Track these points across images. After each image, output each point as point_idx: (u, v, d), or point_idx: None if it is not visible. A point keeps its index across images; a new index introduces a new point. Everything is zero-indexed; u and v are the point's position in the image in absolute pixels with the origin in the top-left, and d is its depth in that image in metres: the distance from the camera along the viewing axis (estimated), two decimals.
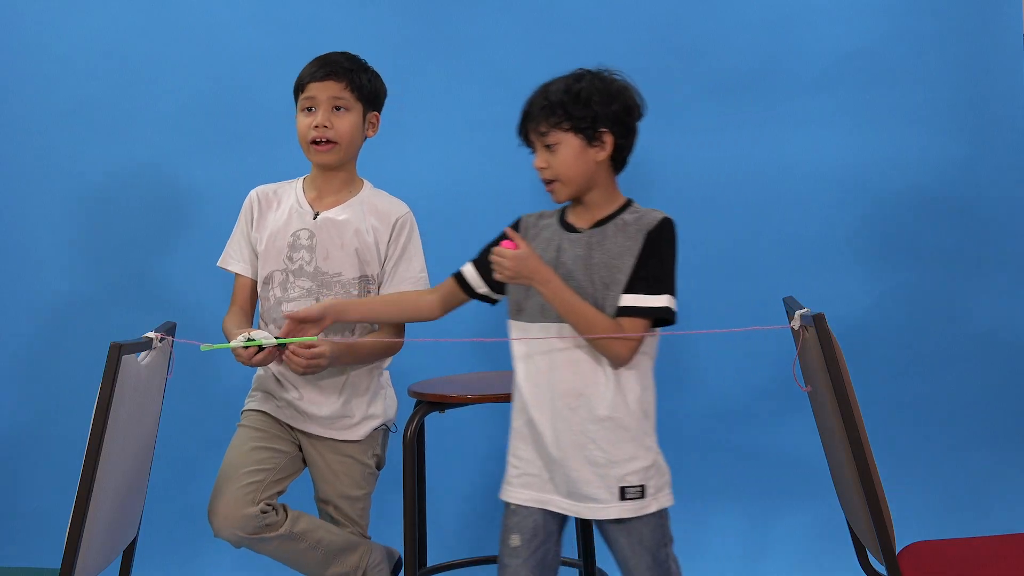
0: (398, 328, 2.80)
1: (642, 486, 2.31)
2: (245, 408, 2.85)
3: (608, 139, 2.37)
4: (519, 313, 2.40)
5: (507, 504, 2.41)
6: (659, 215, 2.37)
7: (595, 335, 2.27)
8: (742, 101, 3.75)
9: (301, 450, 2.81)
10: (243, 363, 2.55)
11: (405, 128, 3.75)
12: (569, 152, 2.36)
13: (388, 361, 2.89)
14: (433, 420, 3.09)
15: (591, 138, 2.36)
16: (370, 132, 2.87)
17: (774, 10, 3.74)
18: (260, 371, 2.83)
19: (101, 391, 2.12)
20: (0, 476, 3.74)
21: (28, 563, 3.52)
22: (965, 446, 3.74)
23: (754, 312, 3.61)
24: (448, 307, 2.56)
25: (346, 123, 2.76)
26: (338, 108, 2.76)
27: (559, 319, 2.32)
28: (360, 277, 2.78)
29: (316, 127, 2.74)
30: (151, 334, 2.38)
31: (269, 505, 2.63)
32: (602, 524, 2.36)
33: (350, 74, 2.77)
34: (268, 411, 2.80)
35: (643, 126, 3.68)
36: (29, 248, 3.76)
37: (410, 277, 2.82)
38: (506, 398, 2.95)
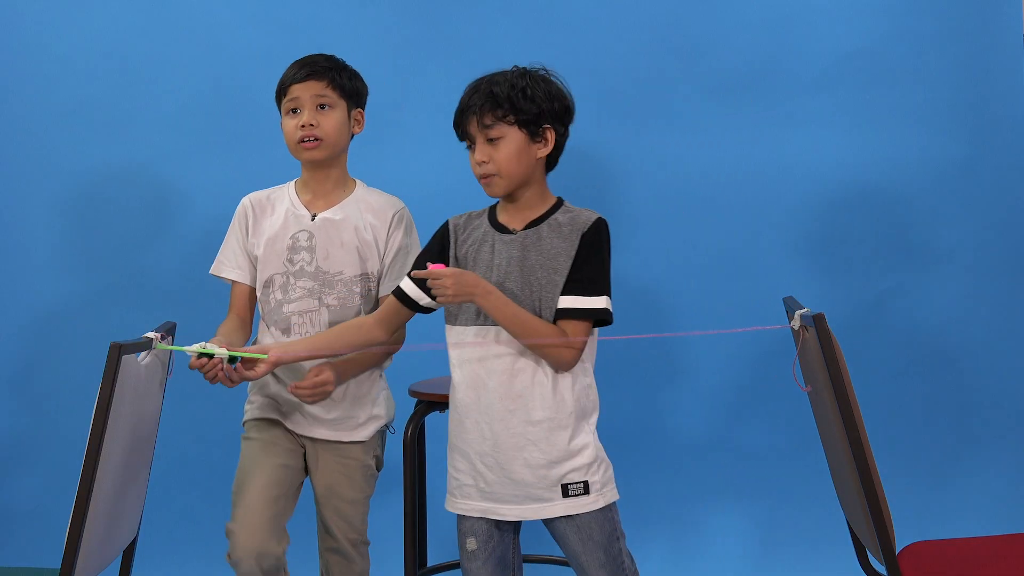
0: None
1: (585, 482, 2.33)
2: (249, 417, 2.82)
3: (550, 136, 2.37)
4: (454, 318, 2.40)
5: None
6: (593, 215, 2.37)
7: (539, 342, 2.28)
8: (742, 101, 3.75)
9: (304, 457, 2.82)
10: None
11: (405, 128, 3.76)
12: (512, 147, 2.35)
13: (389, 362, 2.89)
14: (433, 420, 3.09)
15: (534, 134, 2.36)
16: (356, 129, 2.86)
17: (774, 10, 3.74)
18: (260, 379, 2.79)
19: (101, 391, 2.12)
20: (0, 476, 3.74)
21: (28, 563, 3.52)
22: (965, 446, 3.74)
23: (754, 312, 3.61)
24: (392, 327, 2.54)
25: (331, 120, 2.76)
26: (322, 106, 2.76)
27: (496, 322, 2.32)
28: (361, 275, 2.77)
29: (303, 126, 2.74)
30: (151, 334, 2.38)
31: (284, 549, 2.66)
32: (551, 524, 2.36)
33: (330, 72, 2.77)
34: (274, 417, 2.78)
35: (643, 126, 3.73)
36: (29, 248, 3.76)
37: (407, 272, 2.81)
38: None
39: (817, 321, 2.14)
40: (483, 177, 2.38)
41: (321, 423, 2.77)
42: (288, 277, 2.75)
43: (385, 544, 3.67)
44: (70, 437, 3.35)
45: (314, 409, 2.76)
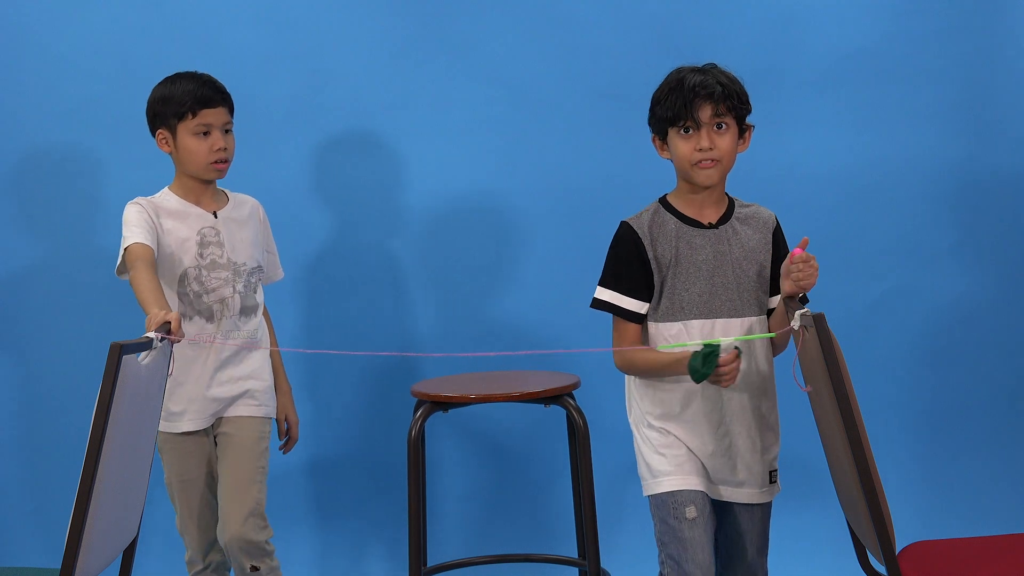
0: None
1: (777, 470, 2.53)
2: (171, 431, 2.95)
3: (749, 136, 2.47)
4: (677, 313, 2.44)
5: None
6: (769, 211, 2.53)
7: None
8: None
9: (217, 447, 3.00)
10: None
11: (404, 128, 3.75)
12: (732, 139, 2.44)
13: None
14: (433, 420, 3.09)
15: (742, 131, 2.46)
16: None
17: (774, 10, 3.74)
18: (176, 375, 2.88)
19: (101, 391, 2.12)
20: (0, 476, 3.74)
21: (28, 563, 3.52)
22: (965, 446, 3.74)
23: None
24: None
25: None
26: (228, 131, 2.96)
27: (726, 315, 2.43)
28: (256, 267, 2.99)
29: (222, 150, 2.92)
30: (151, 334, 2.38)
31: None
32: (735, 506, 2.49)
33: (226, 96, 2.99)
34: (190, 429, 2.94)
35: (643, 126, 3.68)
36: (30, 247, 3.76)
37: (278, 263, 3.13)
38: (506, 398, 2.96)
39: (817, 321, 2.14)
40: (704, 162, 2.42)
41: (248, 395, 3.02)
42: (201, 270, 2.90)
43: (387, 544, 3.67)
44: (70, 437, 3.35)
45: (244, 384, 3.01)
